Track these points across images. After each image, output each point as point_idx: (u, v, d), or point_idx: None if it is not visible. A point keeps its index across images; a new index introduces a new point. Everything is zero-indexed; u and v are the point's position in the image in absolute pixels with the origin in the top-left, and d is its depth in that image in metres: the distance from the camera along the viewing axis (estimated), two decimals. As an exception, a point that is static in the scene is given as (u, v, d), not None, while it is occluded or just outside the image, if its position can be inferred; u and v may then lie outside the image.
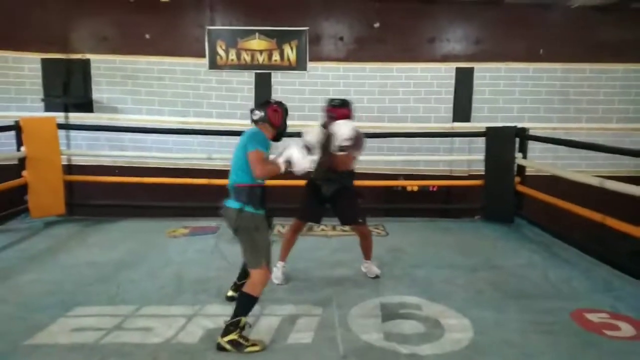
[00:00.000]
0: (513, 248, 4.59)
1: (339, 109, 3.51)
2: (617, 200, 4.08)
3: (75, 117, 7.89)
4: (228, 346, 2.63)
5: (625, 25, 7.71)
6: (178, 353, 2.63)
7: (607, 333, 2.85)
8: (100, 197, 6.18)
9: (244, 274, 3.16)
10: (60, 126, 5.54)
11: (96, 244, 4.56)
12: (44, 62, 7.93)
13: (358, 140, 3.43)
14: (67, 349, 2.64)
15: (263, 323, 2.95)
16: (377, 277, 3.71)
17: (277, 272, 3.55)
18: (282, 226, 4.96)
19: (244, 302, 2.72)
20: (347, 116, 3.51)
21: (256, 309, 3.10)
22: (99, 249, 4.42)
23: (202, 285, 3.51)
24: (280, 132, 2.96)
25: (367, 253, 3.78)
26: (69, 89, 7.93)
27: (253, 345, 2.65)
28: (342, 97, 3.70)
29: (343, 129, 3.37)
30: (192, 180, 6.00)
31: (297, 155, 2.82)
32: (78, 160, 7.43)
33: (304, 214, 3.67)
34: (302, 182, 3.67)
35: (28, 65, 7.95)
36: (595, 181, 4.16)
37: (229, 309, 3.08)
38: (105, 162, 7.52)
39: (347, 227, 4.17)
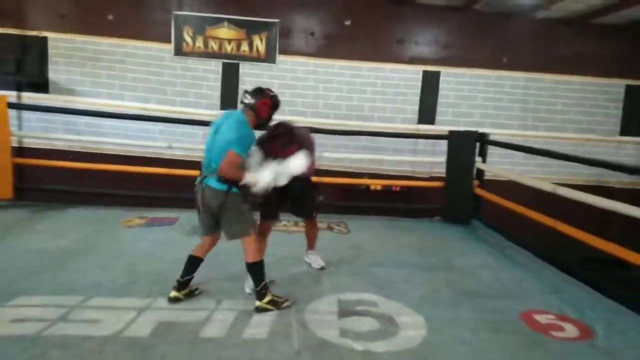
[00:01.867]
0: (469, 249, 4.71)
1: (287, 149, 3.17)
2: (570, 207, 4.24)
3: (29, 97, 7.48)
4: (269, 306, 2.97)
5: (586, 40, 8.06)
6: (127, 346, 2.53)
7: (552, 334, 2.96)
8: (53, 183, 5.88)
9: (189, 270, 3.09)
10: (11, 105, 5.24)
11: (45, 231, 4.35)
12: (-3, 36, 7.48)
13: (309, 147, 3.30)
14: (4, 341, 2.49)
15: (218, 317, 2.89)
16: (322, 268, 3.77)
17: (250, 281, 3.25)
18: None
19: (256, 270, 3.02)
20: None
21: (211, 302, 3.06)
22: (48, 235, 4.22)
23: (155, 278, 3.40)
24: (262, 124, 3.07)
25: (312, 243, 3.85)
26: (23, 67, 7.51)
27: (286, 300, 3.04)
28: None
29: (293, 168, 3.11)
30: (150, 169, 5.80)
31: (261, 183, 2.94)
32: (30, 143, 7.06)
33: (271, 214, 3.49)
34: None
35: (-22, 39, 7.48)
36: (548, 187, 4.31)
37: (183, 303, 3.02)
38: (60, 146, 7.18)
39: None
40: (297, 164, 3.08)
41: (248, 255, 3.01)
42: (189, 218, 5.02)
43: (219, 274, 3.46)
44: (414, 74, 8.07)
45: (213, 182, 2.92)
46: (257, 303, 2.98)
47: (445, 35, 8.12)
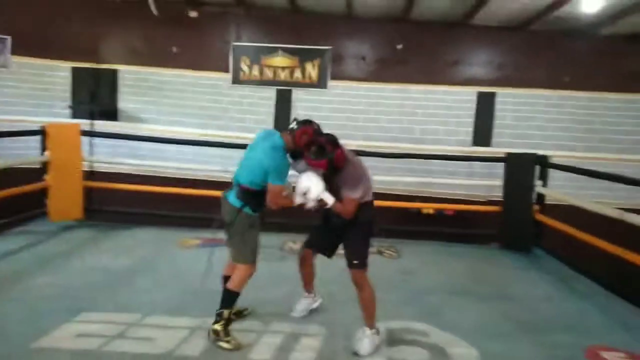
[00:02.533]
0: (529, 278, 4.46)
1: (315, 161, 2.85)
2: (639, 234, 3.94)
3: (101, 125, 8.10)
4: (218, 334, 2.84)
5: (656, 55, 7.57)
6: (178, 366, 2.61)
7: (622, 374, 2.73)
8: (118, 204, 6.26)
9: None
10: (84, 133, 5.68)
11: (108, 250, 4.62)
12: (75, 70, 8.20)
13: (354, 180, 2.89)
14: (70, 355, 2.65)
15: (266, 340, 2.92)
16: (356, 355, 2.81)
17: (300, 304, 3.30)
18: (293, 242, 4.95)
19: (230, 298, 2.93)
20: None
21: (259, 324, 3.10)
22: (110, 255, 4.47)
23: (209, 297, 3.46)
24: (298, 152, 2.93)
25: (365, 313, 2.93)
26: (96, 97, 8.17)
27: (229, 342, 2.83)
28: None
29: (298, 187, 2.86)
30: (205, 192, 6.03)
31: (314, 186, 2.81)
32: (100, 167, 7.60)
33: (311, 242, 3.25)
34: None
35: (59, 73, 8.23)
36: (615, 213, 4.03)
37: (232, 324, 3.07)
38: (126, 170, 7.65)
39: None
40: (301, 182, 2.84)
41: (233, 280, 2.91)
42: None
43: (266, 296, 3.50)
44: (467, 95, 7.92)
45: (231, 197, 2.94)
46: (211, 322, 2.91)
47: (501, 55, 7.94)
